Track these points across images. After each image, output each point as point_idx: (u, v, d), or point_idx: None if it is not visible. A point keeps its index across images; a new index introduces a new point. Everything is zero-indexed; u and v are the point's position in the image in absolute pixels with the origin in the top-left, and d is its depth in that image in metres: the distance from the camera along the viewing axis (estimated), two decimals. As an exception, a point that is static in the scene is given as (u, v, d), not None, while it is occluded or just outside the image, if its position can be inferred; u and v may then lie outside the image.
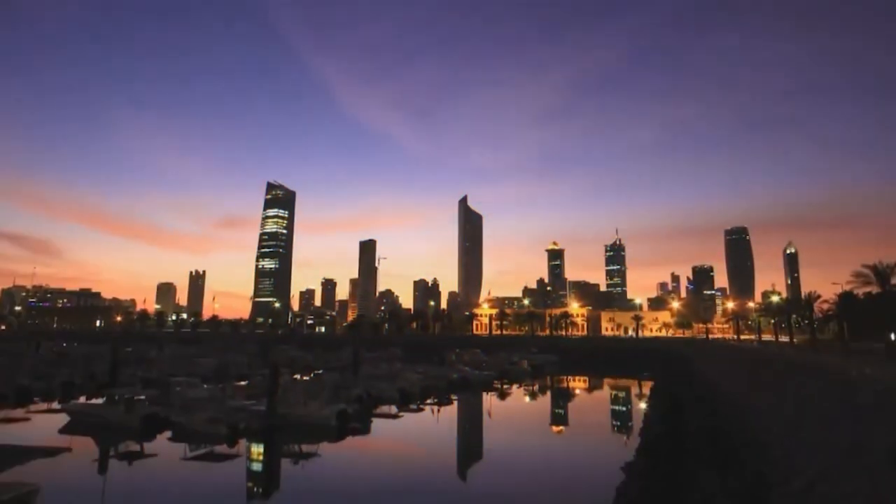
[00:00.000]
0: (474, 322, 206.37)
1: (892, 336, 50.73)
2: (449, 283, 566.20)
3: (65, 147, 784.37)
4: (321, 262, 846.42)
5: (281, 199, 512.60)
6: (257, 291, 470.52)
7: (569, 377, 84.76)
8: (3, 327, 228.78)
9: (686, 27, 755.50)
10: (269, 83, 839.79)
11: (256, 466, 29.33)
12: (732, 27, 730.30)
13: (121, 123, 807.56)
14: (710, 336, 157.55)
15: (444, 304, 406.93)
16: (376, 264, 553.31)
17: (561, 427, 45.07)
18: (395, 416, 42.81)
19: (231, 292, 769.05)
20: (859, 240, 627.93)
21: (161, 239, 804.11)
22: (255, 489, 25.67)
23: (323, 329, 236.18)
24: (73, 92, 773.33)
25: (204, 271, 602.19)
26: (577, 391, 71.73)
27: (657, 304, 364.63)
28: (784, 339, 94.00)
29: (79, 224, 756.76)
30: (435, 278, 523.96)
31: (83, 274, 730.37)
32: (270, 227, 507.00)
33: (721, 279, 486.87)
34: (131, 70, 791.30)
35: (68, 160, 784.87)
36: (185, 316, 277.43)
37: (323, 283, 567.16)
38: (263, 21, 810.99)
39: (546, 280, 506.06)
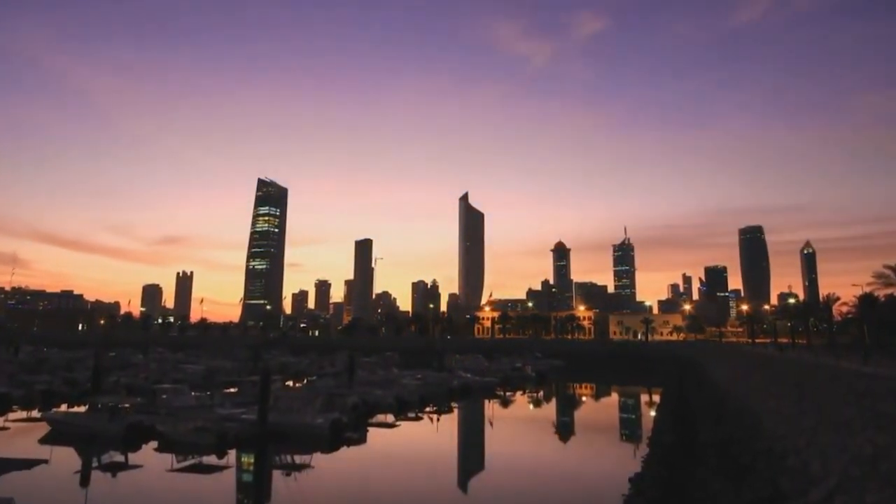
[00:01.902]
0: (476, 325, 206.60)
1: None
2: (449, 284, 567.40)
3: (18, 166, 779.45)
4: (315, 262, 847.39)
5: (272, 196, 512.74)
6: (248, 293, 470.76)
7: (575, 384, 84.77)
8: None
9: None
10: (261, 76, 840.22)
11: (246, 478, 29.31)
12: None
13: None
14: (724, 340, 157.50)
15: (443, 307, 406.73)
16: (373, 265, 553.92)
17: (566, 436, 45.04)
18: (392, 425, 42.75)
19: (220, 295, 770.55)
20: (881, 239, 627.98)
21: (139, 247, 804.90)
22: (245, 502, 25.67)
23: (316, 333, 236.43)
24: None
25: (192, 272, 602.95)
26: (584, 398, 71.68)
27: (668, 306, 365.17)
28: (801, 342, 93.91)
29: (44, 244, 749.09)
30: (434, 279, 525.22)
31: (59, 281, 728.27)
32: (261, 226, 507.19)
33: (735, 281, 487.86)
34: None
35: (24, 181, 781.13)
36: (171, 319, 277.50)
37: (317, 285, 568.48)
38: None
39: (551, 281, 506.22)
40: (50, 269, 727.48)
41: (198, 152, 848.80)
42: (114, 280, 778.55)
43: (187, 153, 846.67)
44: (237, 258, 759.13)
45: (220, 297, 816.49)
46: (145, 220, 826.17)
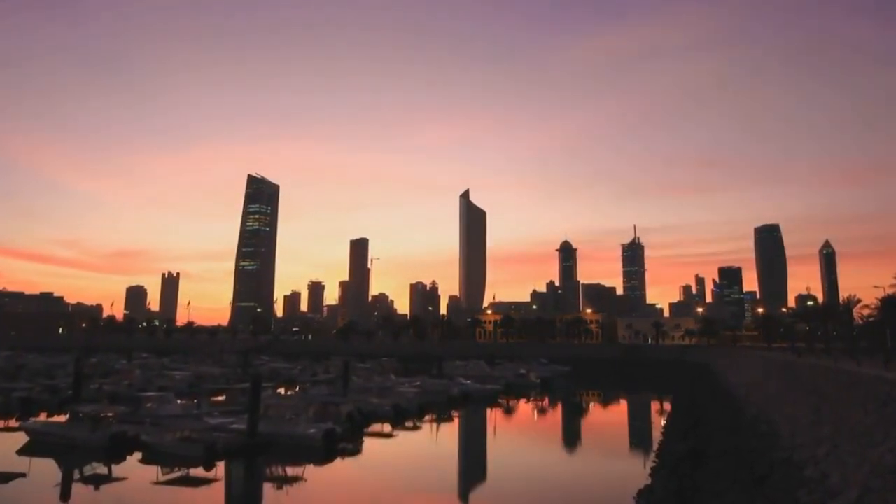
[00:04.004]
0: (477, 329, 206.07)
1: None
2: (449, 286, 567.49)
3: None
4: (308, 262, 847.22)
5: (263, 193, 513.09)
6: (237, 296, 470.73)
7: (581, 391, 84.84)
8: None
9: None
10: (254, 69, 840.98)
11: (236, 491, 29.32)
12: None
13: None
14: (739, 344, 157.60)
15: (443, 310, 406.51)
16: (369, 265, 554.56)
17: (573, 446, 45.11)
18: (389, 436, 42.83)
19: (208, 297, 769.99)
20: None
21: (125, 249, 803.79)
22: (235, 516, 25.66)
23: (309, 337, 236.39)
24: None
25: (178, 273, 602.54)
26: (591, 406, 71.78)
27: (680, 309, 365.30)
28: (820, 346, 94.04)
29: (15, 259, 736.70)
30: (434, 281, 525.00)
31: (36, 286, 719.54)
32: (251, 225, 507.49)
33: (750, 282, 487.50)
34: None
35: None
36: (157, 323, 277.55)
37: (310, 286, 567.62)
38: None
39: (557, 283, 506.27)
40: (27, 277, 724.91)
41: (184, 148, 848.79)
42: (96, 283, 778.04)
43: (173, 150, 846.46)
44: (226, 259, 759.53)
45: (209, 299, 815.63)
46: (132, 220, 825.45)
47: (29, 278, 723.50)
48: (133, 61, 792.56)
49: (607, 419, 61.78)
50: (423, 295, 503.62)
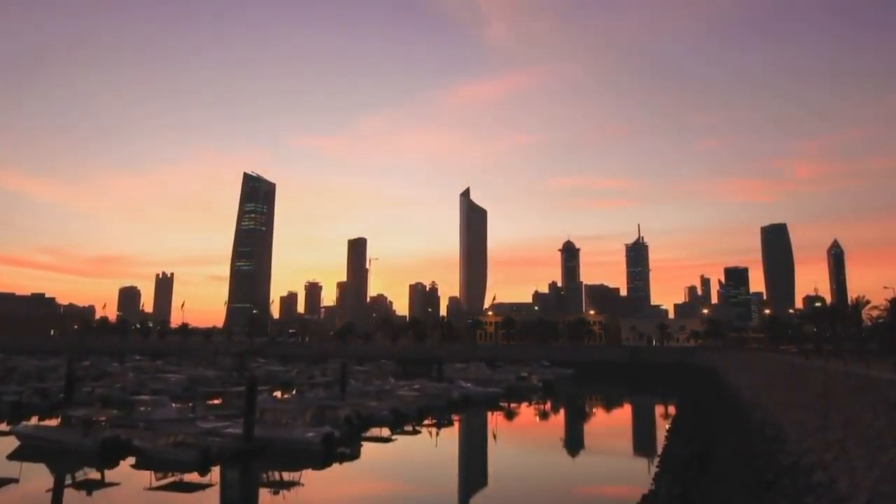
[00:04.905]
0: (478, 331, 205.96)
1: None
2: (449, 287, 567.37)
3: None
4: (305, 263, 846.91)
5: (259, 192, 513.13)
6: (232, 297, 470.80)
7: (585, 394, 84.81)
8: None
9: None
10: (246, 66, 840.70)
11: (231, 497, 29.29)
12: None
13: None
14: (745, 346, 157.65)
15: (443, 311, 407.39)
16: (367, 266, 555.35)
17: (575, 451, 45.05)
18: (387, 440, 42.84)
19: (203, 298, 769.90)
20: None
21: (118, 250, 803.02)
22: (230, 522, 25.65)
23: (306, 339, 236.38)
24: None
25: (172, 273, 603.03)
26: (595, 410, 71.73)
27: (685, 310, 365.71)
28: (828, 348, 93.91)
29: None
30: (433, 282, 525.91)
31: (28, 285, 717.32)
32: (247, 224, 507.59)
33: (757, 282, 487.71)
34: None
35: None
36: (150, 324, 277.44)
37: (307, 287, 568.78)
38: None
39: (559, 284, 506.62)
40: (14, 280, 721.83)
41: (179, 146, 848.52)
42: (88, 287, 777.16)
43: (167, 147, 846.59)
44: (221, 259, 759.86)
45: (203, 300, 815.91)
46: (125, 219, 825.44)
47: (16, 281, 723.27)
48: (127, 63, 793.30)
49: (611, 423, 61.75)
50: (423, 296, 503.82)
